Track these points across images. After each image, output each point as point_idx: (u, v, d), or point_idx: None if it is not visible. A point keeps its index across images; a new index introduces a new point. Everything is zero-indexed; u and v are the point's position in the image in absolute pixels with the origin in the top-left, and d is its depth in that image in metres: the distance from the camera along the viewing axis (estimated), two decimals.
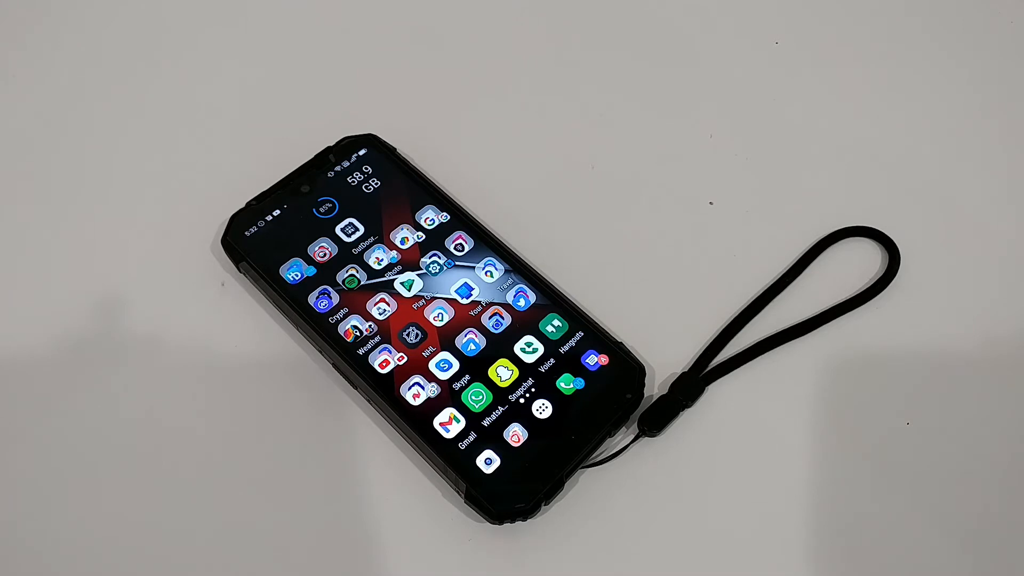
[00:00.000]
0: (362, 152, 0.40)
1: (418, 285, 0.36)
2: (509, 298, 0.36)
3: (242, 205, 0.38)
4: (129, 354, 0.36)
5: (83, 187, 0.41)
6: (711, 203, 0.41)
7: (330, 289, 0.36)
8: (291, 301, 0.36)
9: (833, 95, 0.44)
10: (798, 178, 0.41)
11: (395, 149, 0.40)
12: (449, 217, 0.38)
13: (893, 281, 0.38)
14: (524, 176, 0.41)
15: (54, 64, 0.45)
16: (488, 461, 0.32)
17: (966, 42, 0.46)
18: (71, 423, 0.35)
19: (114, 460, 0.34)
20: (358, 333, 0.35)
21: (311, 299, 0.36)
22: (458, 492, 0.32)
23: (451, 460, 0.32)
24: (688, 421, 0.34)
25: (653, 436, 0.34)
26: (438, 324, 0.35)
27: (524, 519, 0.32)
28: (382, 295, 0.36)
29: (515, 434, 0.33)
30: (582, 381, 0.34)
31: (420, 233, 0.38)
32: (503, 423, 0.33)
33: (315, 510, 0.33)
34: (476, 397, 0.34)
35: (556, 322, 0.35)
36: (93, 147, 0.42)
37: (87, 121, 0.43)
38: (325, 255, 0.37)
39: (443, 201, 0.39)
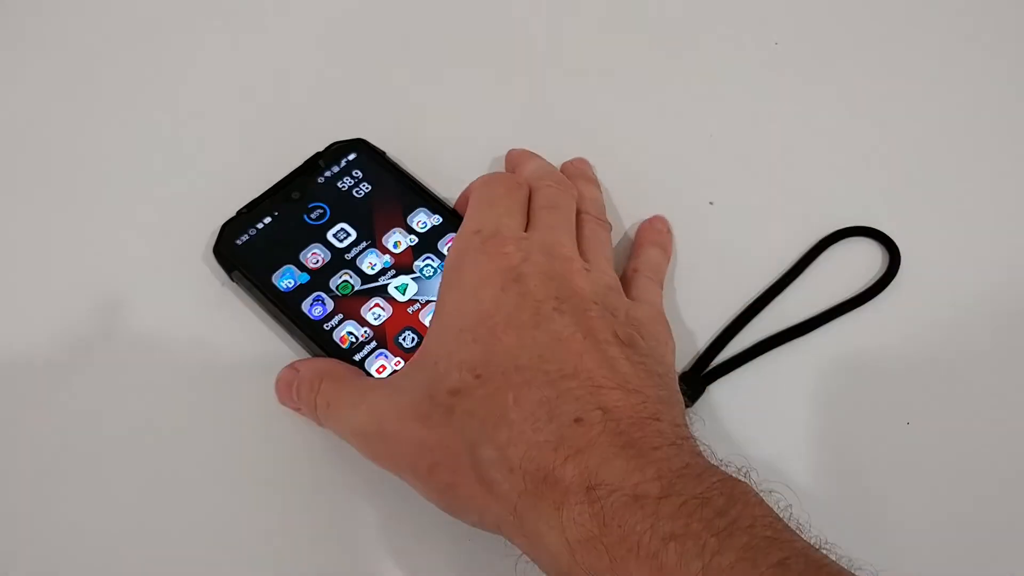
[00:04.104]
0: (352, 157, 0.41)
1: (412, 289, 0.38)
2: None
3: (233, 214, 0.39)
4: (123, 363, 0.38)
5: (75, 197, 0.42)
6: (711, 203, 0.42)
7: (324, 296, 0.37)
8: (285, 308, 0.37)
9: (833, 94, 0.46)
10: (798, 178, 0.43)
11: (385, 153, 0.42)
12: (441, 220, 0.39)
13: (893, 281, 0.39)
14: None
15: (48, 72, 0.46)
16: None
17: (967, 41, 0.48)
18: (67, 427, 0.36)
19: (111, 463, 0.35)
20: (353, 339, 0.36)
21: (305, 306, 0.37)
22: None
23: None
24: (688, 421, 0.36)
25: None
26: None
27: None
28: (376, 300, 0.37)
29: None
30: None
31: (413, 236, 0.39)
32: None
33: (313, 514, 0.34)
34: None
35: None
36: (86, 155, 0.43)
37: (79, 130, 0.44)
38: (318, 261, 0.38)
39: (435, 203, 0.40)
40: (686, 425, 0.30)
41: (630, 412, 0.28)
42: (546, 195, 0.37)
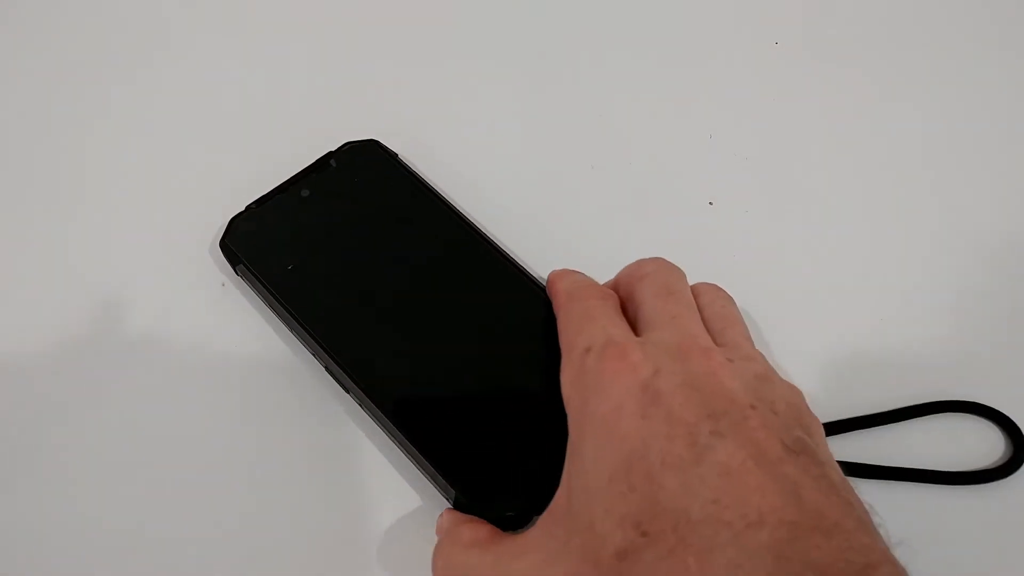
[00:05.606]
0: (363, 157, 0.42)
1: None
2: None
3: (241, 208, 0.40)
4: (126, 356, 0.38)
5: (82, 190, 0.43)
6: (711, 203, 0.43)
7: None
8: (287, 305, 0.37)
9: (833, 94, 0.46)
10: (798, 178, 0.44)
11: (397, 155, 0.42)
12: None
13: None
14: (524, 178, 0.44)
15: (55, 65, 0.47)
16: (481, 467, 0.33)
17: (967, 41, 0.48)
18: (68, 425, 0.37)
19: (110, 462, 0.36)
20: None
21: None
22: (447, 499, 0.34)
23: (441, 466, 0.33)
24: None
25: None
26: None
27: (515, 528, 0.32)
28: None
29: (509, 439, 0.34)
30: None
31: None
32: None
33: (309, 512, 0.35)
34: None
35: None
36: (93, 149, 0.44)
37: (87, 123, 0.45)
38: None
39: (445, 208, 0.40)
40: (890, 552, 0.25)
41: (842, 565, 0.23)
42: (654, 282, 0.32)
